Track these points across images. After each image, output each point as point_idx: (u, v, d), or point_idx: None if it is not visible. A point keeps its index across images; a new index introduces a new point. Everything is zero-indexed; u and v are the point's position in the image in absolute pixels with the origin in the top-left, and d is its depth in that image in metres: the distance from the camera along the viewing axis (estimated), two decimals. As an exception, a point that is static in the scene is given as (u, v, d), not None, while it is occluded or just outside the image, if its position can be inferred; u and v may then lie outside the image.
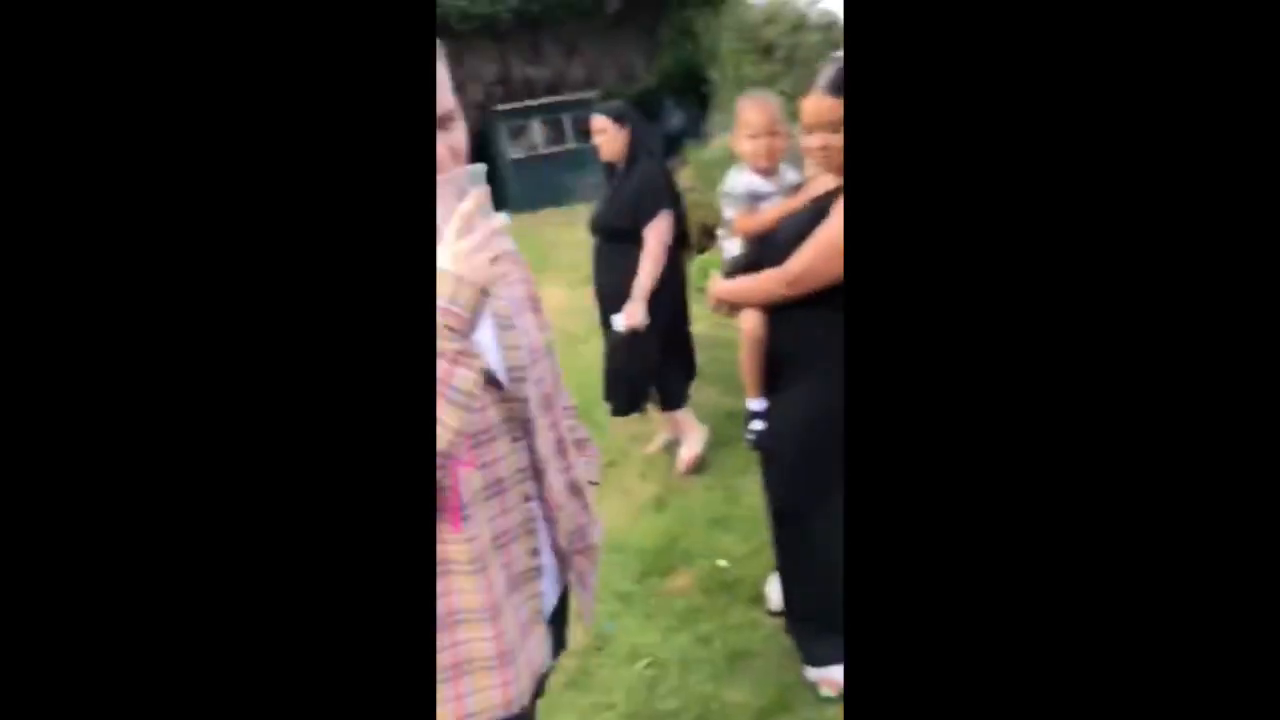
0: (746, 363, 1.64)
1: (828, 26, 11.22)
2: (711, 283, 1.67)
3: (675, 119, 11.98)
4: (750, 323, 1.60)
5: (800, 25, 10.99)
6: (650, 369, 2.73)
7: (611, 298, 2.62)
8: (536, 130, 12.61)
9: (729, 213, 1.85)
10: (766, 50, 10.73)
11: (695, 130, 11.58)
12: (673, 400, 2.85)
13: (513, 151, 12.47)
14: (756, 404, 1.69)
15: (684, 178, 8.77)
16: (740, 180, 1.84)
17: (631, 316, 2.55)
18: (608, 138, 2.60)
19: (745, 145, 1.80)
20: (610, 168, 2.69)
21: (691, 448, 2.87)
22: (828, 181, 1.51)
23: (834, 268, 1.35)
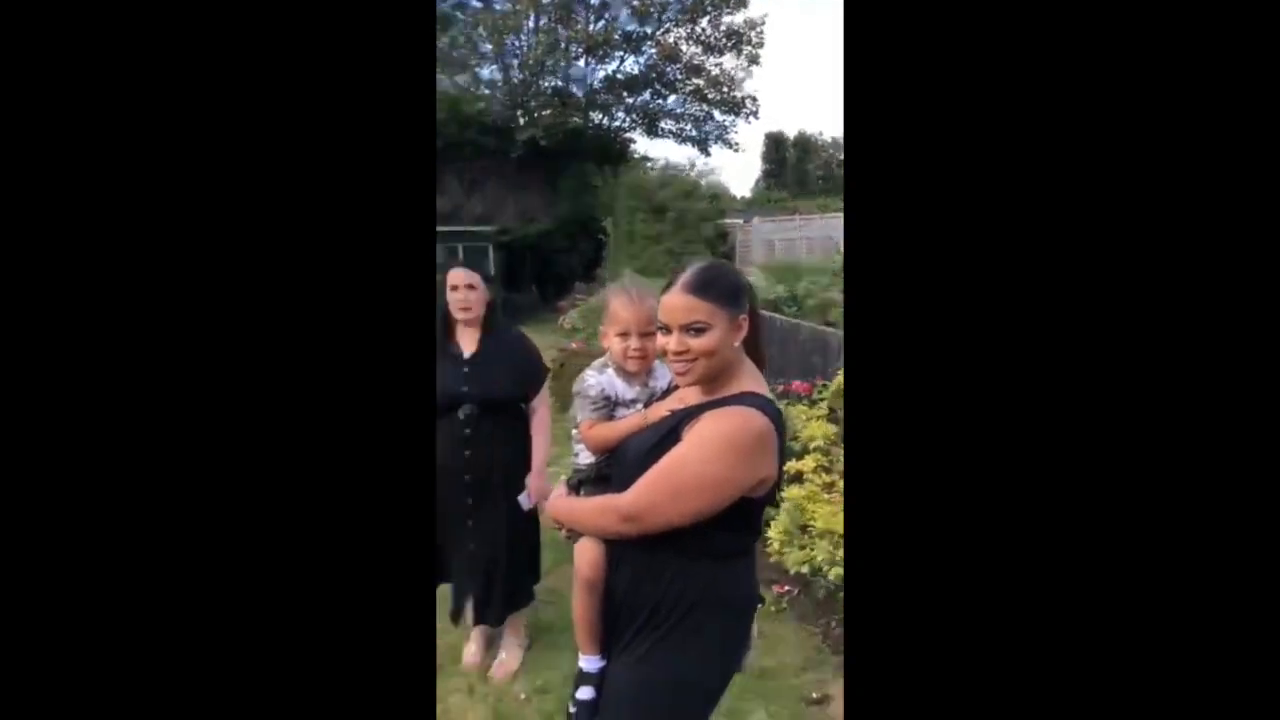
0: (578, 609, 1.28)
1: (715, 197, 12.26)
2: (554, 493, 1.38)
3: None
4: (585, 558, 1.25)
5: (691, 193, 11.96)
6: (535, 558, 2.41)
7: (490, 474, 2.30)
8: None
9: (579, 415, 1.49)
10: (658, 211, 11.51)
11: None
12: (522, 598, 2.45)
13: (402, 273, 12.29)
14: (588, 663, 1.32)
15: (567, 321, 8.88)
16: (598, 380, 1.48)
17: (539, 492, 2.29)
18: (476, 296, 2.27)
19: (613, 343, 1.45)
20: (444, 334, 2.31)
21: (513, 655, 2.49)
22: (688, 395, 1.22)
23: (682, 507, 1.07)
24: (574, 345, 6.69)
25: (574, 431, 1.50)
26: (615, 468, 1.29)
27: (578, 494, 1.38)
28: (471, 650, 2.48)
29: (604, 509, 1.18)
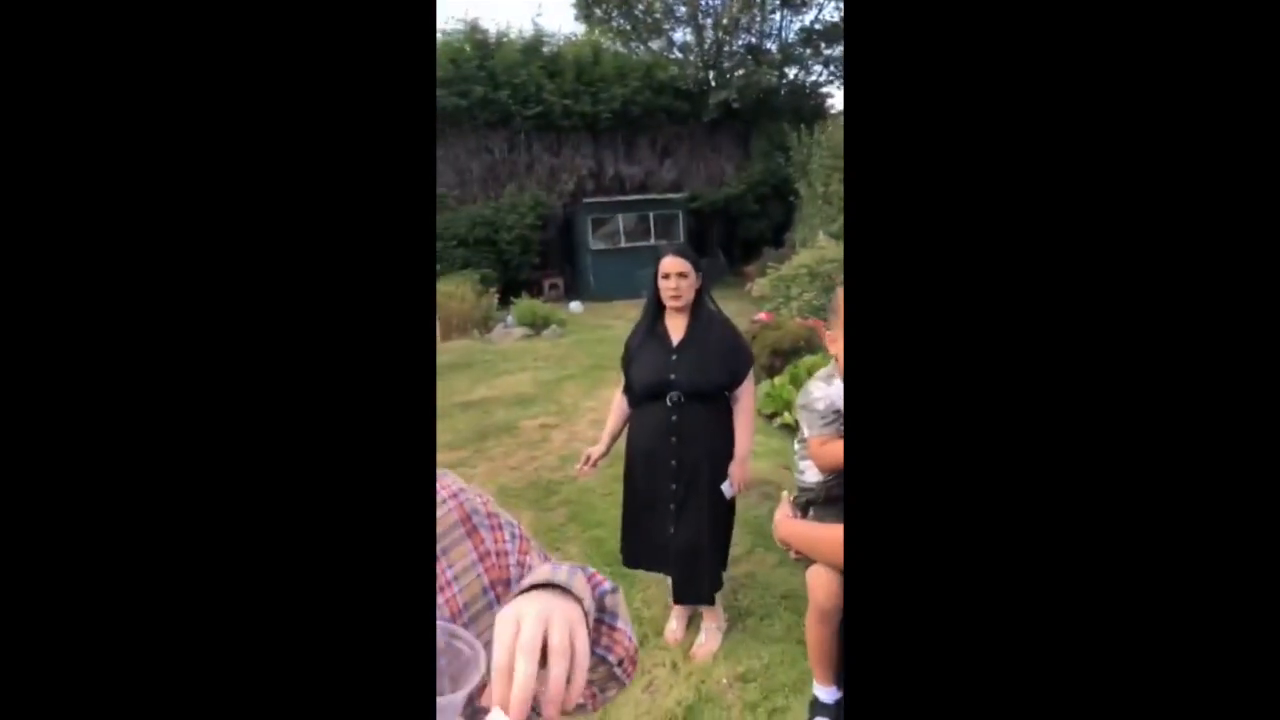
0: (813, 637, 1.20)
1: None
2: (780, 511, 1.25)
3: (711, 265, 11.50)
4: (822, 588, 1.15)
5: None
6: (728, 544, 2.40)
7: (696, 461, 2.26)
8: (620, 224, 12.88)
9: (807, 430, 1.35)
10: (858, 169, 10.68)
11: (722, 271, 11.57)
12: (720, 583, 2.43)
13: (595, 242, 12.74)
14: (825, 693, 1.22)
15: (756, 289, 8.61)
16: (826, 392, 1.32)
17: (742, 481, 2.27)
18: (688, 283, 2.23)
19: (843, 349, 1.28)
20: (654, 318, 2.29)
21: (712, 637, 2.46)
22: None
23: None
24: (762, 316, 6.46)
25: (797, 446, 1.38)
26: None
27: (804, 515, 1.26)
28: (673, 627, 2.52)
29: (844, 540, 1.05)
